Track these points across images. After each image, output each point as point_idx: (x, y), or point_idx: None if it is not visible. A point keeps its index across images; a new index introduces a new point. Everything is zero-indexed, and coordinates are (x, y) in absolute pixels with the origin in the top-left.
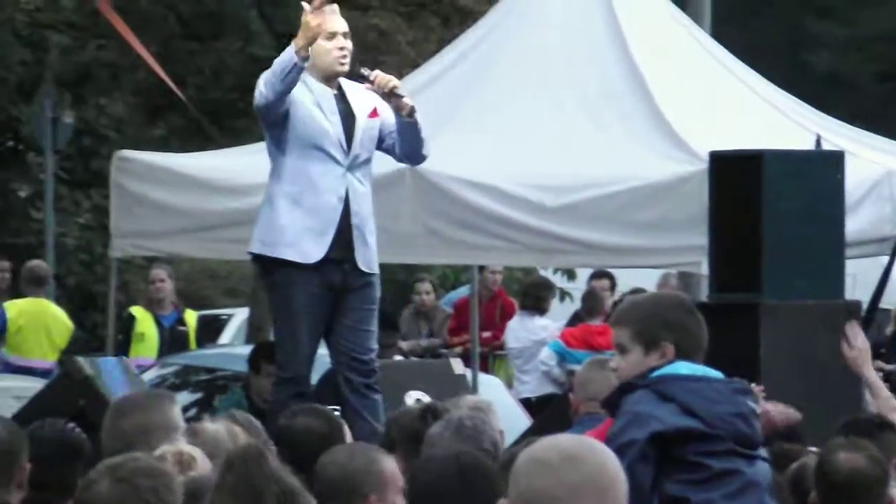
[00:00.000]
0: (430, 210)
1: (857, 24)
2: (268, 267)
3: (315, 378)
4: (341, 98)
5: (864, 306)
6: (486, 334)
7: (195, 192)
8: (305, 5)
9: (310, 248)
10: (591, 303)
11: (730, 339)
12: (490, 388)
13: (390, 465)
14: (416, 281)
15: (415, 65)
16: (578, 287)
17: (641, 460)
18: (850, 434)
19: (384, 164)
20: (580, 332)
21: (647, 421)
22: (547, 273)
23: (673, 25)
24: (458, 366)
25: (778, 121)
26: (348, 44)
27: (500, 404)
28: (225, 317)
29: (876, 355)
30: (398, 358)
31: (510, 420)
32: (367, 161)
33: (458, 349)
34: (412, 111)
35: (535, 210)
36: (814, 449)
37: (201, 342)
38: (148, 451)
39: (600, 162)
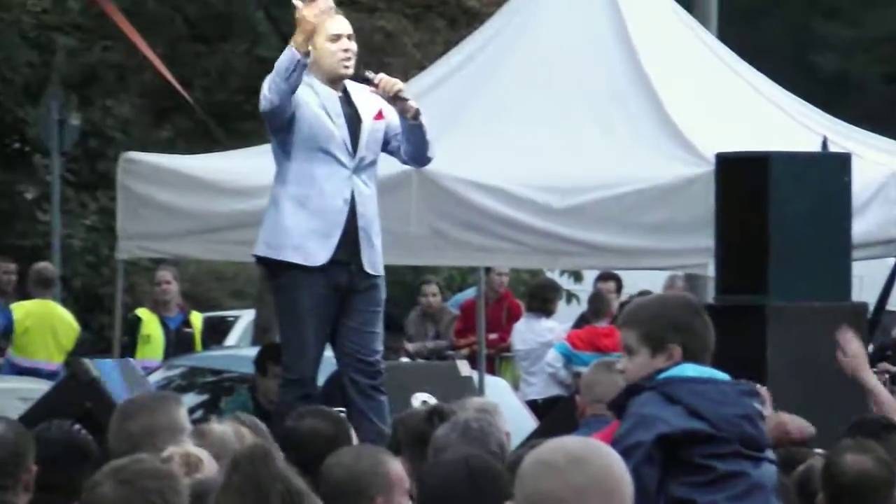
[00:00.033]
0: (436, 212)
1: (863, 25)
2: (273, 270)
3: (321, 380)
4: (347, 100)
5: (871, 308)
6: (493, 336)
7: (202, 193)
8: (297, 2)
9: (315, 251)
10: (598, 305)
11: (736, 341)
12: (496, 389)
13: (396, 466)
14: (423, 283)
15: (421, 67)
16: (585, 289)
17: (647, 462)
18: (857, 436)
19: (391, 165)
20: (586, 334)
21: (654, 423)
22: (553, 275)
23: (679, 27)
24: (464, 367)
25: (784, 122)
26: (353, 45)
27: (507, 406)
28: (231, 318)
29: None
30: (404, 360)
31: (516, 422)
32: (373, 163)
33: (465, 351)
34: (417, 114)
35: (542, 212)
36: (820, 451)
37: (207, 344)
38: (154, 453)
39: (606, 164)
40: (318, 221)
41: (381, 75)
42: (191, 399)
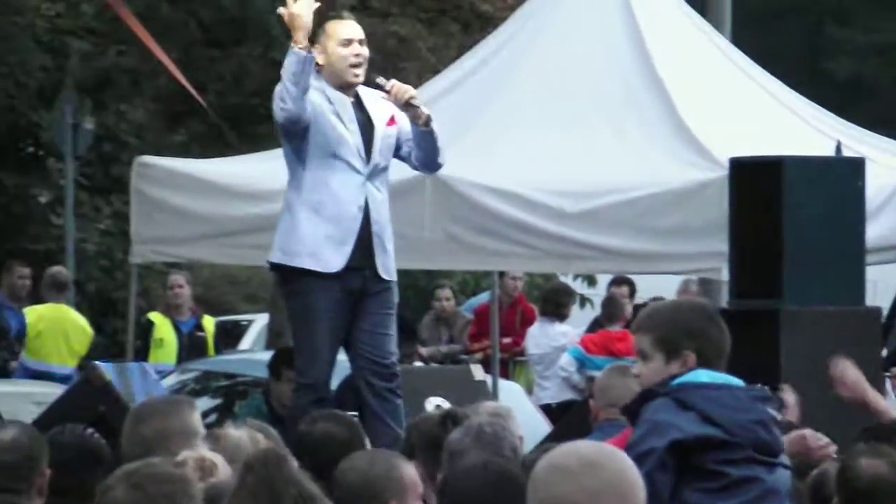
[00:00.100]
0: (450, 216)
1: (877, 30)
2: (287, 276)
3: (335, 384)
4: (359, 106)
5: (885, 313)
6: (507, 340)
7: (215, 197)
8: (281, 9)
9: (330, 258)
10: (611, 309)
11: (750, 346)
12: (510, 394)
13: (410, 471)
14: (437, 287)
15: (435, 71)
16: (598, 293)
17: (660, 469)
18: (871, 440)
19: (404, 170)
20: (600, 339)
21: (667, 429)
22: (567, 279)
23: (693, 31)
24: (478, 372)
25: (798, 127)
26: (364, 51)
27: (520, 410)
28: (245, 322)
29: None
30: (418, 364)
31: (530, 426)
32: (385, 169)
33: (479, 355)
34: (429, 120)
35: (556, 216)
36: (834, 455)
37: (219, 348)
38: (168, 457)
39: (620, 168)
40: (333, 228)
41: (393, 81)
42: (205, 403)
